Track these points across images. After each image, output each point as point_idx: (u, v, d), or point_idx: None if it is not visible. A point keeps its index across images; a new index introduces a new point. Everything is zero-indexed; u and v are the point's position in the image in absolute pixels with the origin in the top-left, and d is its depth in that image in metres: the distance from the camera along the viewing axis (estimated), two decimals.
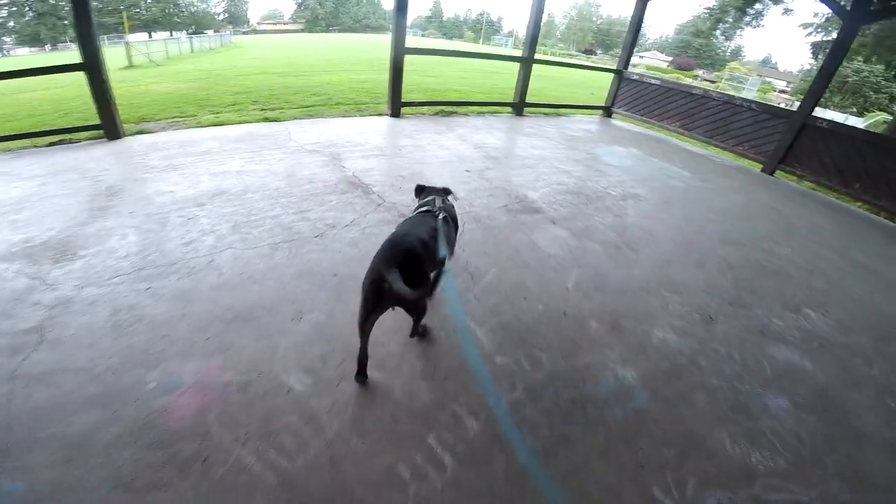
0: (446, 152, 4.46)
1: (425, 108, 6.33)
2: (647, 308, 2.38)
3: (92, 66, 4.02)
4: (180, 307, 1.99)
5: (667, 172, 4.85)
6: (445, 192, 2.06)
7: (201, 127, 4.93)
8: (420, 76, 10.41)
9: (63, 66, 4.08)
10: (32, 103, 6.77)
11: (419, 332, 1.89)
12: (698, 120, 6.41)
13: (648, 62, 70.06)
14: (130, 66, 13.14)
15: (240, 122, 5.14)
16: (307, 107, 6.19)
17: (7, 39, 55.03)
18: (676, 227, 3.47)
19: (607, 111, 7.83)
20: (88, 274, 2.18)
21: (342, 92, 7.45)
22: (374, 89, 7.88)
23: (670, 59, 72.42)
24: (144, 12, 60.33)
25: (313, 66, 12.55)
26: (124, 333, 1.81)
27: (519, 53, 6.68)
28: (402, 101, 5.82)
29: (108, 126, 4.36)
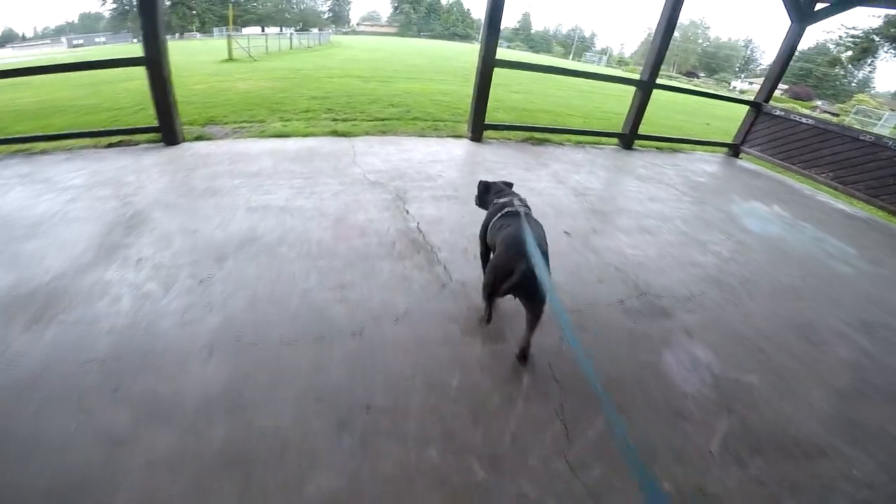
0: (538, 199, 3.51)
1: (512, 133, 5.43)
2: (823, 477, 1.41)
3: (153, 62, 3.65)
4: (146, 433, 1.31)
5: (826, 248, 3.48)
6: (509, 185, 2.13)
7: (264, 137, 4.49)
8: (506, 91, 9.55)
9: (123, 60, 3.75)
10: (118, 95, 6.89)
11: (524, 356, 1.76)
12: (861, 173, 4.84)
13: (757, 89, 63.06)
14: (230, 59, 13.80)
15: (306, 135, 4.63)
16: (382, 120, 5.58)
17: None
18: (853, 344, 2.25)
19: (734, 150, 6.39)
20: (55, 352, 1.62)
21: (421, 104, 6.80)
22: (456, 104, 7.14)
23: (786, 87, 64.68)
24: (260, 7, 66.35)
25: (398, 71, 12.23)
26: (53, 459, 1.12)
27: (624, 72, 5.53)
28: (486, 122, 4.98)
29: (166, 130, 4.02)
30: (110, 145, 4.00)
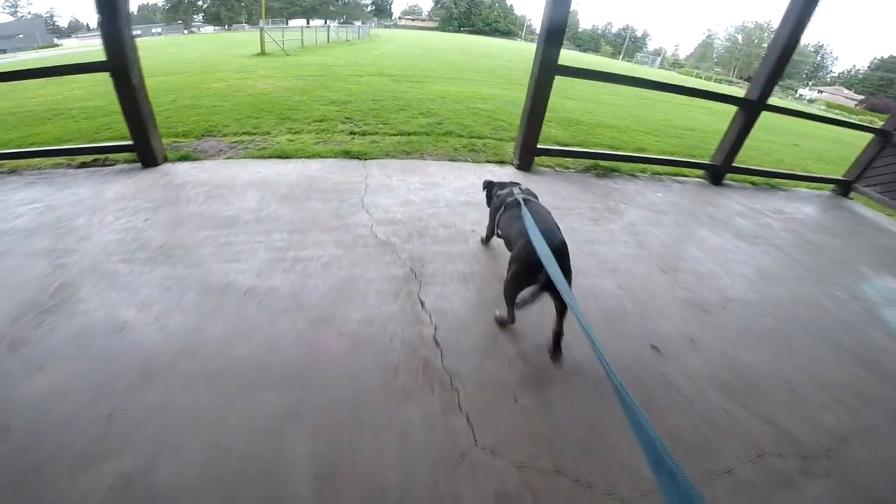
0: (612, 280, 2.42)
1: (570, 160, 4.30)
2: None
3: (118, 68, 2.81)
4: None
5: None
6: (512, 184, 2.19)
7: (262, 158, 3.65)
8: (557, 96, 8.36)
9: (82, 66, 2.93)
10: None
11: (559, 350, 1.65)
12: None
13: (829, 99, 57.87)
14: (262, 53, 13.24)
15: (312, 155, 3.73)
16: (408, 135, 4.59)
17: (198, 17, 65.72)
18: None
19: (844, 187, 4.99)
20: None
21: (457, 113, 5.76)
22: (498, 114, 6.05)
23: (860, 97, 58.88)
24: (305, 0, 67.13)
25: (434, 70, 11.22)
26: None
27: (691, 79, 4.28)
28: (539, 146, 3.89)
29: (142, 149, 3.23)
30: (83, 165, 3.31)
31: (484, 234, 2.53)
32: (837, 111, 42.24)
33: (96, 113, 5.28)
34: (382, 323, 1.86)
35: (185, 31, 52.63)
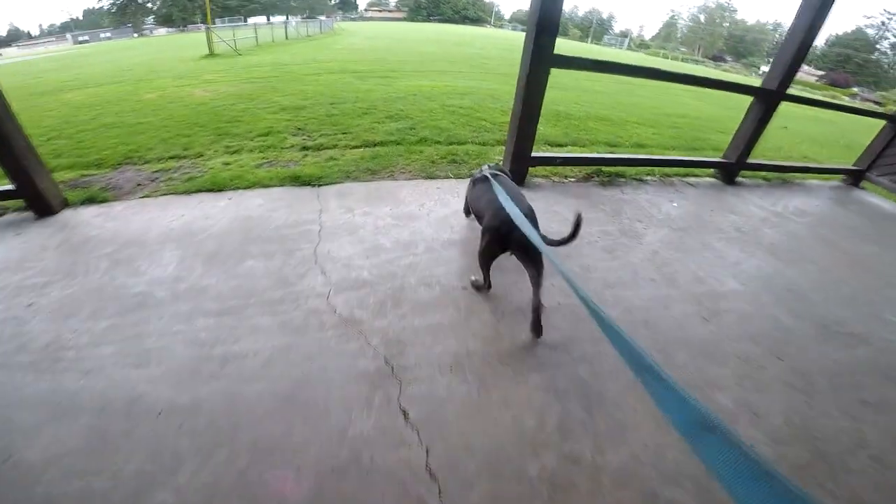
0: (642, 339, 1.78)
1: (567, 168, 3.63)
2: None
3: None
4: None
5: None
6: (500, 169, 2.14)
7: (189, 193, 2.83)
8: None
9: None
10: (45, 115, 5.23)
11: (538, 322, 1.66)
12: None
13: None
14: (211, 54, 12.04)
15: (252, 183, 2.93)
16: (373, 146, 3.81)
17: (148, 20, 62.15)
18: None
19: (855, 177, 4.54)
20: None
21: (432, 114, 4.99)
22: (478, 110, 5.32)
23: (821, 73, 60.58)
24: None
25: (404, 63, 10.34)
26: None
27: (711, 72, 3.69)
28: (533, 154, 3.20)
29: (29, 195, 2.37)
30: None
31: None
32: (801, 87, 43.13)
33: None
34: (354, 450, 1.19)
35: (136, 35, 49.64)
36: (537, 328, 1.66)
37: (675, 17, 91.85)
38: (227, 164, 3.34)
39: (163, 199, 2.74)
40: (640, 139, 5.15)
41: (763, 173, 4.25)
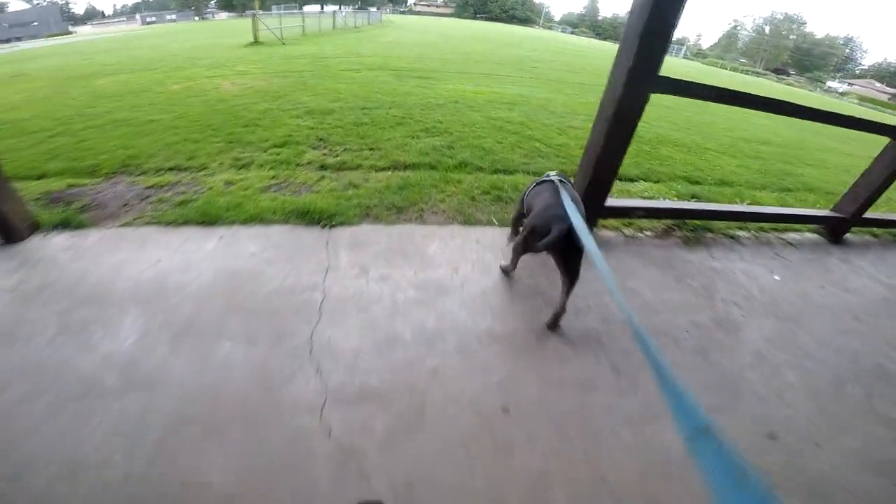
0: None
1: (645, 220, 2.85)
2: None
3: None
4: None
5: None
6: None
7: (177, 225, 2.34)
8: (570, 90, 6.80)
9: None
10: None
11: (556, 323, 1.73)
12: None
13: (861, 91, 54.28)
14: (256, 42, 11.80)
15: (252, 216, 2.38)
16: (403, 168, 3.18)
17: (211, 4, 64.46)
18: None
19: None
20: None
21: (474, 129, 4.29)
22: (530, 127, 4.57)
23: (893, 91, 55.10)
24: None
25: (447, 62, 9.66)
26: None
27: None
28: (609, 203, 2.45)
29: None
30: None
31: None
32: (870, 104, 39.20)
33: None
34: None
35: (196, 18, 51.55)
36: (553, 326, 1.73)
37: (738, 27, 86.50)
38: (230, 183, 2.80)
39: (143, 230, 2.21)
40: (724, 173, 4.25)
41: (871, 228, 3.32)
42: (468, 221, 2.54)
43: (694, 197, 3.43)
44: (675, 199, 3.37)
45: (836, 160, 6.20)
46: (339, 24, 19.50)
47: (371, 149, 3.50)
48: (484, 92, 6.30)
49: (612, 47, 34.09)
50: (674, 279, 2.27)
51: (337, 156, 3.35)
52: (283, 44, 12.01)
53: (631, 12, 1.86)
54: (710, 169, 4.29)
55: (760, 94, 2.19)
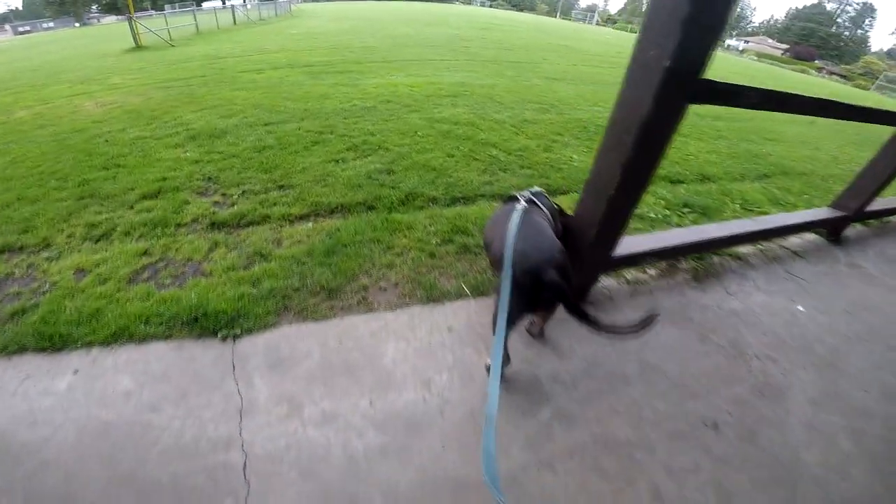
0: None
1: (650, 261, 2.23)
2: None
3: None
4: None
5: None
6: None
7: (7, 355, 1.30)
8: (532, 74, 6.17)
9: None
10: None
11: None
12: None
13: (758, 48, 59.39)
14: (138, 47, 9.84)
15: (118, 332, 1.50)
16: (329, 213, 2.32)
17: (94, 7, 56.09)
18: None
19: None
20: None
21: (416, 139, 3.47)
22: (480, 127, 3.82)
23: (785, 46, 61.06)
24: None
25: (372, 50, 8.57)
26: None
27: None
28: (618, 252, 1.77)
29: None
30: None
31: None
32: (768, 60, 42.88)
33: None
34: None
35: (77, 24, 44.55)
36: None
37: None
38: (83, 270, 1.84)
39: None
40: (699, 164, 3.80)
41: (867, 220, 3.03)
42: (431, 296, 1.79)
43: (686, 206, 2.89)
44: (667, 212, 2.82)
45: (787, 130, 6.10)
46: (241, 18, 17.31)
47: (281, 187, 2.58)
48: (419, 84, 5.43)
49: (532, 19, 33.78)
50: (697, 339, 1.76)
51: (233, 204, 2.40)
52: (172, 46, 10.18)
53: None
54: (683, 160, 3.81)
55: (812, 96, 1.59)
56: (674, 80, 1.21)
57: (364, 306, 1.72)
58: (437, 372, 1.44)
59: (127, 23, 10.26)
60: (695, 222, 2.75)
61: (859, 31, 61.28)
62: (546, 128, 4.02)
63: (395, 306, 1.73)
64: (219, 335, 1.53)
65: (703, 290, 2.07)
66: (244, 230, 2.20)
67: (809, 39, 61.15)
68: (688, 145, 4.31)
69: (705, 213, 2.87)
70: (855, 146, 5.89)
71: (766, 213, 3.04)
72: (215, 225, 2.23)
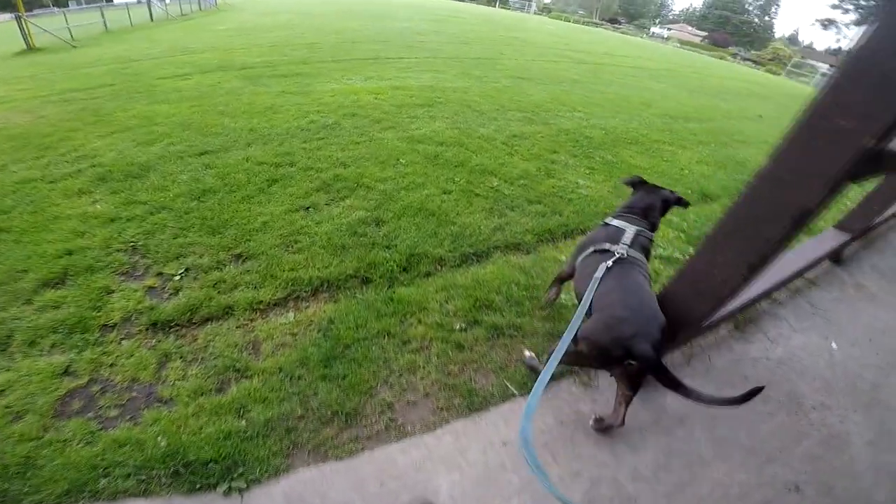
0: None
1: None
2: None
3: None
4: None
5: None
6: (665, 202, 1.58)
7: None
8: (504, 77, 5.75)
9: None
10: None
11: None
12: None
13: (678, 35, 63.16)
14: (31, 49, 8.14)
15: (67, 494, 0.86)
16: (313, 292, 1.75)
17: None
18: None
19: None
20: None
21: (399, 166, 2.90)
22: (469, 146, 3.32)
23: (703, 34, 65.54)
24: None
25: (316, 47, 7.67)
26: None
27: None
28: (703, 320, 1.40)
29: None
30: None
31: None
32: (690, 47, 45.61)
33: None
34: None
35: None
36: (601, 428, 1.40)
37: None
38: None
39: None
40: (695, 178, 3.57)
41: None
42: (472, 404, 1.42)
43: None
44: (690, 249, 2.52)
45: (745, 128, 6.12)
46: (159, 14, 15.24)
47: (238, 256, 1.93)
48: (383, 89, 4.78)
49: (476, 9, 32.94)
50: (758, 399, 1.55)
51: (176, 290, 1.75)
52: (74, 47, 8.59)
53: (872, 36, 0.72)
54: (680, 175, 3.56)
55: None
56: (869, 162, 0.80)
57: (395, 431, 1.31)
58: (504, 501, 1.17)
59: (15, 21, 8.47)
60: None
61: (766, 18, 67.10)
62: (538, 144, 3.60)
63: (433, 425, 1.35)
64: (219, 489, 1.11)
65: (747, 340, 1.94)
66: (201, 330, 1.59)
67: (725, 27, 66.06)
68: (676, 155, 4.09)
69: None
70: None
71: None
72: (158, 326, 1.60)
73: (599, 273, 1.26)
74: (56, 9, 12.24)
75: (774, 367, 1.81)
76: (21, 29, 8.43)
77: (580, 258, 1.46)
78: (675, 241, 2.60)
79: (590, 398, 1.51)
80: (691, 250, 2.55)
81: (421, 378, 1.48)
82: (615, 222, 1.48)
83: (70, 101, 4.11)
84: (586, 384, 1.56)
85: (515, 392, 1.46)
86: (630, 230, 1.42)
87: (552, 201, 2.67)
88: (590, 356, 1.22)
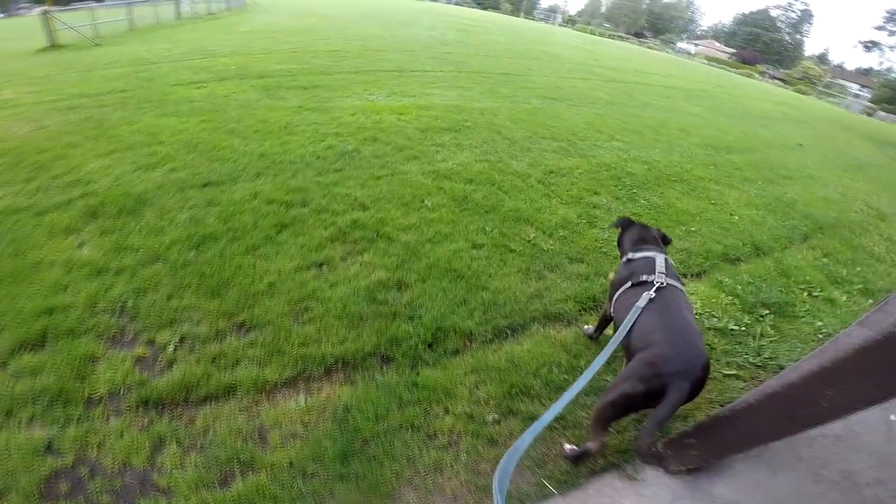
0: None
1: None
2: None
3: None
4: None
5: None
6: (664, 239, 1.64)
7: None
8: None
9: None
10: None
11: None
12: None
13: (705, 52, 62.17)
14: (53, 46, 8.10)
15: None
16: (326, 373, 1.48)
17: None
18: None
19: None
20: None
21: (422, 211, 2.60)
22: (501, 183, 3.00)
23: (731, 50, 64.37)
24: None
25: (340, 53, 7.46)
26: None
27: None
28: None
29: None
30: None
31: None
32: (715, 63, 44.70)
33: None
34: None
35: (1, 16, 39.01)
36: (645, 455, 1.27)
37: None
38: None
39: None
40: (746, 226, 3.20)
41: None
42: None
43: (762, 306, 2.25)
44: (746, 319, 2.17)
45: (789, 161, 5.69)
46: (186, 12, 15.30)
47: (241, 326, 1.65)
48: (407, 108, 4.50)
49: (501, 19, 32.87)
50: (811, 479, 1.53)
51: (170, 363, 1.49)
52: (97, 45, 8.54)
53: None
54: (730, 223, 3.19)
55: None
56: None
57: None
58: None
59: (61, 13, 8.46)
60: (777, 329, 2.13)
61: (798, 37, 65.64)
62: (577, 182, 3.26)
63: None
64: None
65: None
66: (199, 411, 1.36)
67: (755, 44, 64.81)
68: (724, 196, 3.72)
69: (782, 313, 2.26)
70: (846, 173, 5.63)
71: (829, 297, 2.49)
72: (150, 403, 1.37)
73: (642, 302, 1.23)
74: (94, 2, 12.25)
75: (830, 444, 1.64)
76: (46, 24, 8.41)
77: (616, 295, 1.41)
78: (728, 307, 2.24)
79: (635, 492, 1.30)
80: (747, 319, 2.21)
81: (448, 478, 1.27)
82: (640, 255, 1.46)
83: (76, 109, 3.90)
84: (630, 477, 1.32)
85: (555, 491, 1.28)
86: (660, 258, 1.41)
87: (596, 259, 2.33)
88: (635, 396, 1.16)
